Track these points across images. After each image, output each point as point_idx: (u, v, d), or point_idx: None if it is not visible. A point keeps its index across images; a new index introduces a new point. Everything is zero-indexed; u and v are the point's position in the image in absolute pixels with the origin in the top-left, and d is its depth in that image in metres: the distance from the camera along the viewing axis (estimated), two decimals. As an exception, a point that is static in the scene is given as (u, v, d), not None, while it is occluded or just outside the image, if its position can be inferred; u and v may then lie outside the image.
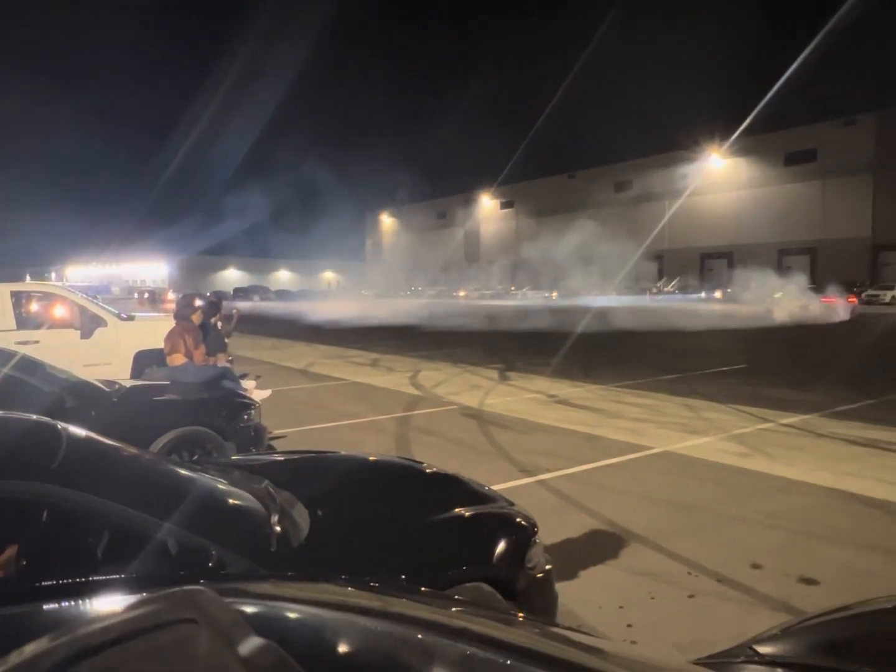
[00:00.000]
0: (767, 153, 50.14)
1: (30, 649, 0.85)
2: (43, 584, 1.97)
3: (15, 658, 0.84)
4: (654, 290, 50.17)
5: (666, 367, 12.80)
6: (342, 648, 0.98)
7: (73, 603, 1.78)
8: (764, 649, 1.58)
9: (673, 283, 50.89)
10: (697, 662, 1.58)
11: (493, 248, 69.81)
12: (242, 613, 0.92)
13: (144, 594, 0.98)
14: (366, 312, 30.11)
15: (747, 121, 38.34)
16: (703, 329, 22.50)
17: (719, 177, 52.96)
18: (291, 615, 1.06)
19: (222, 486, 2.80)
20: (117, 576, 2.06)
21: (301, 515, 2.70)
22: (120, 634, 0.83)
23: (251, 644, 0.77)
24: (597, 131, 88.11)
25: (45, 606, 1.79)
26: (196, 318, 7.32)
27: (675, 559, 4.22)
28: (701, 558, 4.20)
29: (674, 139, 54.71)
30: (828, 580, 3.90)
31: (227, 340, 9.24)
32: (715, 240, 50.54)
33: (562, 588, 3.17)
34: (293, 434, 7.55)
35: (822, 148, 48.25)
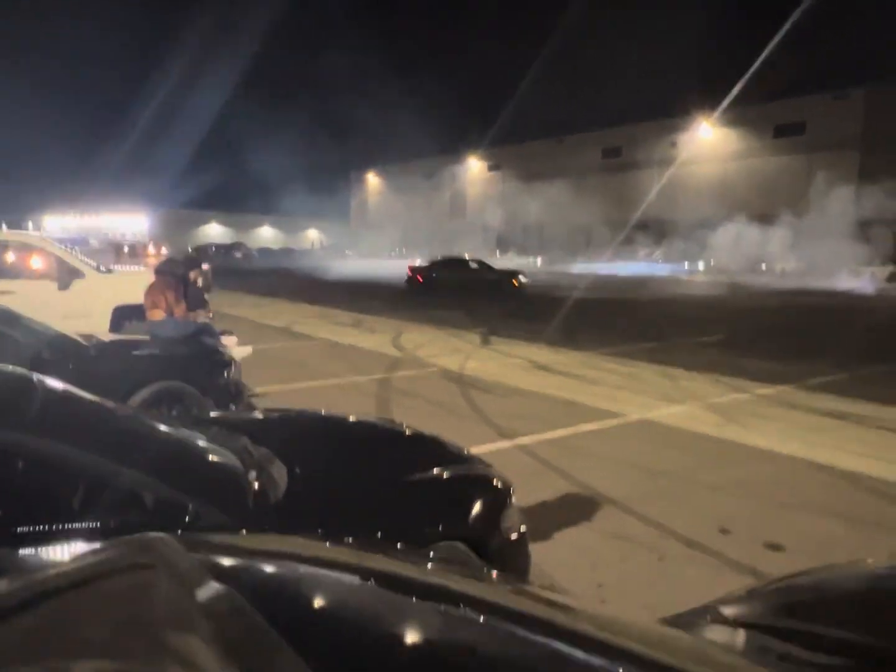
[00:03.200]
0: (757, 124, 49.91)
1: None
2: (18, 530, 1.98)
3: None
4: (640, 259, 50.26)
5: (647, 335, 12.91)
6: (314, 602, 0.99)
7: (39, 549, 1.79)
8: (728, 611, 1.63)
9: (657, 253, 51.01)
10: (663, 621, 1.62)
11: (480, 212, 69.27)
12: (207, 563, 0.92)
13: (103, 544, 0.97)
14: (347, 272, 29.96)
15: (736, 88, 38.00)
16: (686, 298, 22.66)
17: (708, 147, 52.71)
18: (261, 567, 1.06)
19: (200, 441, 2.80)
20: (89, 525, 2.07)
21: (279, 472, 2.72)
22: (77, 579, 0.83)
23: (209, 590, 0.77)
24: (586, 96, 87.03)
25: (19, 551, 1.80)
26: (194, 276, 7.50)
27: (647, 523, 4.31)
28: (672, 523, 4.30)
29: (664, 106, 54.31)
30: (793, 546, 4.01)
31: (206, 297, 9.14)
32: (701, 210, 50.56)
33: (536, 549, 3.23)
34: (273, 392, 7.55)
35: (811, 121, 48.12)
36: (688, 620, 1.63)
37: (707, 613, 1.63)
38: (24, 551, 1.87)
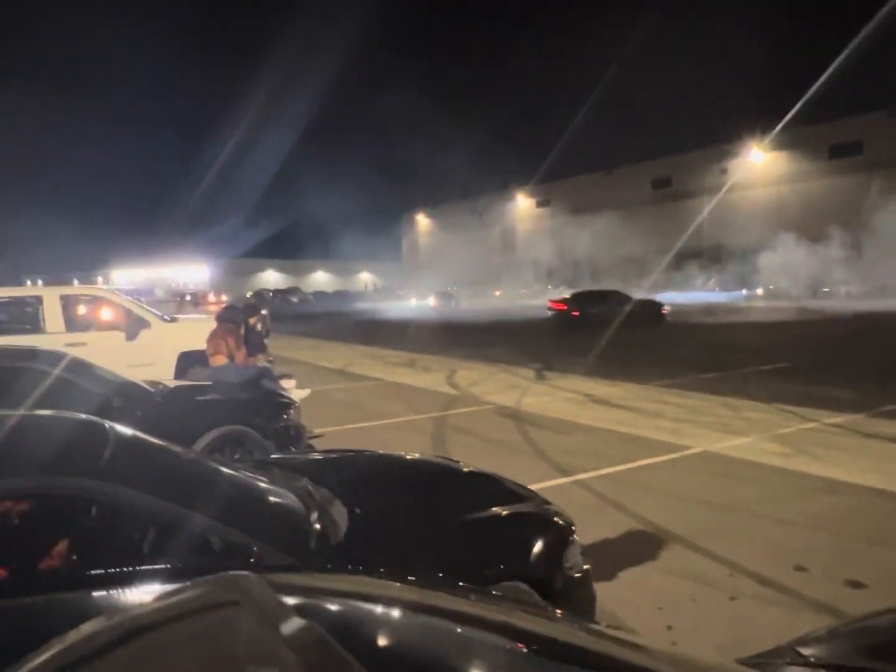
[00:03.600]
0: (811, 146, 48.82)
1: (86, 628, 0.90)
2: (92, 572, 2.05)
3: (73, 636, 0.89)
4: (696, 287, 49.37)
5: (707, 365, 12.59)
6: (380, 639, 1.00)
7: (120, 590, 1.86)
8: (808, 651, 1.56)
9: (712, 281, 50.01)
10: (740, 662, 1.56)
11: (529, 247, 69.39)
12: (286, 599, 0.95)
13: (189, 582, 1.02)
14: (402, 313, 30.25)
15: (791, 113, 37.38)
16: (746, 325, 22.07)
17: (760, 171, 51.76)
18: (331, 606, 1.08)
19: (263, 484, 2.86)
20: (159, 567, 2.13)
21: (339, 513, 2.74)
22: (168, 616, 0.87)
23: (293, 624, 0.79)
24: (634, 127, 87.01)
25: (95, 593, 1.87)
26: (253, 322, 7.92)
27: (715, 560, 4.16)
28: (742, 560, 4.13)
29: (713, 133, 53.82)
30: (875, 583, 3.80)
31: (265, 341, 9.39)
32: (756, 235, 49.41)
33: (600, 589, 3.15)
34: (331, 433, 7.64)
35: (867, 140, 46.82)
36: (765, 662, 1.57)
37: (786, 654, 1.57)
38: (99, 593, 1.94)
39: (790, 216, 47.67)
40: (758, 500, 5.28)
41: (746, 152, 51.90)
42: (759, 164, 51.88)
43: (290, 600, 0.93)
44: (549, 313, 24.73)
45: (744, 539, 4.50)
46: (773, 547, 4.36)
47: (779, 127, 41.14)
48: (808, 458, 6.36)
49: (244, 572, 0.97)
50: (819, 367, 12.39)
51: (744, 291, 44.74)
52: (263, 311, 10.33)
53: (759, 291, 43.06)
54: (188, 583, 0.98)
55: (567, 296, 25.84)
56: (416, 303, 47.35)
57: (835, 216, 43.85)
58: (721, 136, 52.58)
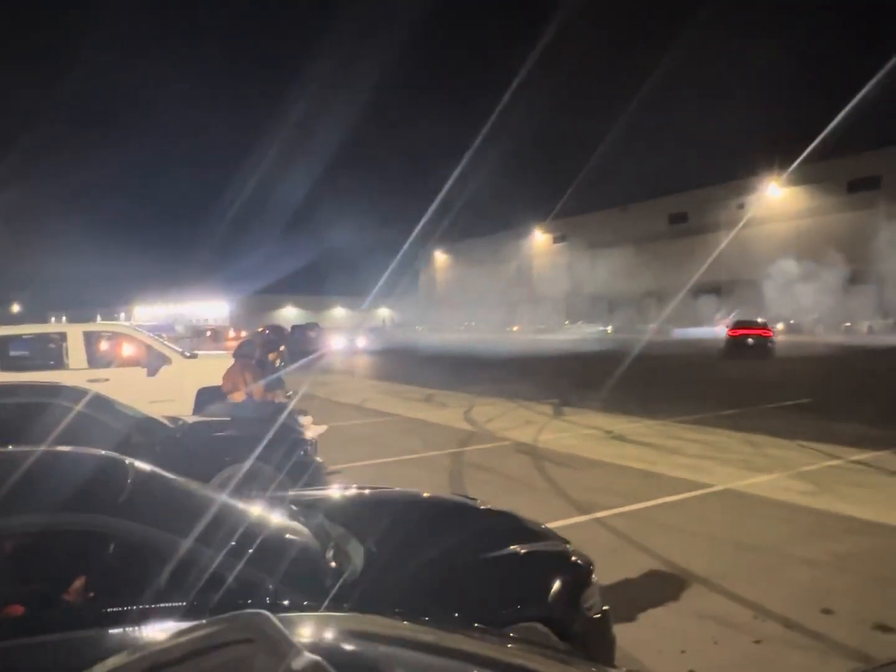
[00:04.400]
0: (829, 181, 48.82)
1: (112, 662, 0.93)
2: (109, 609, 2.06)
3: (99, 669, 0.92)
4: (713, 321, 49.06)
5: (726, 401, 12.45)
6: None
7: (138, 627, 1.87)
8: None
9: (732, 315, 49.71)
10: None
11: (547, 283, 69.62)
12: (299, 638, 0.97)
13: (204, 620, 1.04)
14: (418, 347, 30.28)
15: (809, 148, 37.37)
16: (765, 360, 21.83)
17: (778, 206, 51.77)
18: (344, 645, 1.09)
19: (279, 521, 2.86)
20: (175, 605, 2.13)
21: (355, 551, 2.73)
22: (186, 652, 0.90)
23: (302, 661, 0.82)
24: (651, 162, 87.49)
25: (112, 630, 1.88)
26: (272, 357, 8.10)
27: (739, 602, 4.06)
28: (767, 602, 4.03)
29: (731, 169, 53.95)
30: (906, 627, 3.68)
31: (282, 376, 9.47)
32: (775, 270, 49.17)
33: (620, 630, 3.09)
34: (348, 469, 7.63)
35: (886, 174, 46.75)
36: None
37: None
38: (116, 630, 1.95)
39: (809, 250, 47.44)
40: (782, 539, 5.17)
41: (764, 187, 51.99)
42: (776, 198, 51.91)
43: (303, 639, 0.94)
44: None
45: (768, 580, 4.40)
46: (799, 588, 4.25)
47: (797, 162, 41.15)
48: (833, 497, 6.23)
49: (258, 611, 0.99)
50: (842, 404, 12.20)
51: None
52: (281, 348, 10.44)
53: (780, 326, 42.71)
54: (204, 621, 1.00)
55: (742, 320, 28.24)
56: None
57: (854, 250, 43.62)
58: (738, 172, 52.78)
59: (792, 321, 41.78)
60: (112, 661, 0.95)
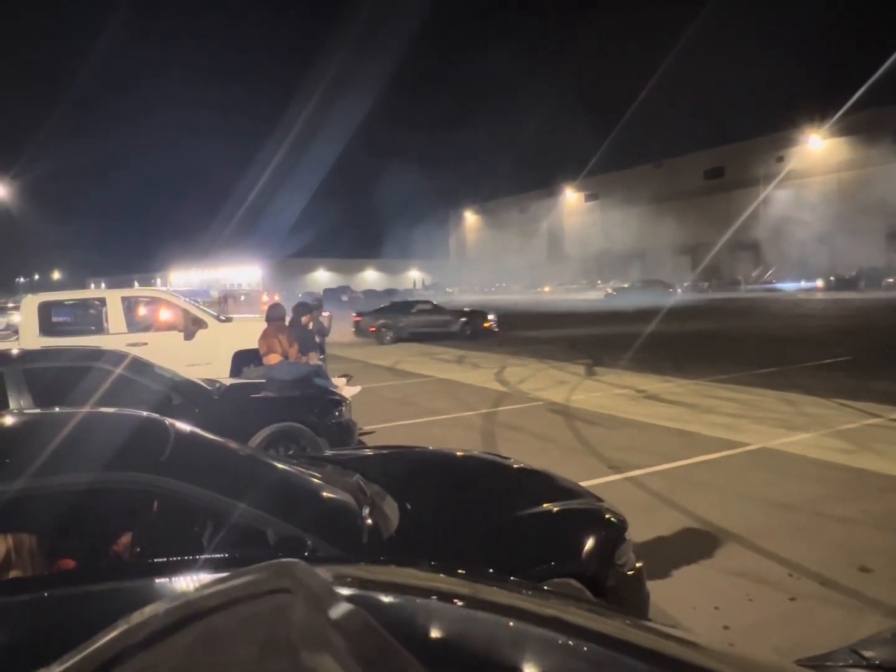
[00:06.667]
0: (872, 131, 46.83)
1: (148, 610, 0.96)
2: (154, 562, 2.14)
3: (136, 617, 0.95)
4: (751, 280, 48.05)
5: (765, 359, 12.25)
6: (430, 631, 1.01)
7: (180, 578, 1.94)
8: (869, 653, 1.51)
9: (770, 273, 48.58)
10: (799, 664, 1.53)
11: (578, 242, 68.69)
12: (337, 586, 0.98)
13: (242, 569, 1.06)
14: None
15: (856, 96, 35.87)
16: (805, 318, 21.38)
17: (819, 159, 49.96)
18: (381, 596, 1.10)
19: (316, 479, 2.91)
20: (219, 556, 2.20)
21: (391, 508, 2.77)
22: (221, 602, 0.91)
23: (341, 609, 0.82)
24: (686, 117, 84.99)
25: (157, 580, 1.96)
26: (306, 320, 8.38)
27: (774, 560, 4.05)
28: (803, 560, 4.01)
29: (769, 121, 52.20)
30: (946, 586, 3.64)
31: (322, 339, 9.68)
32: (814, 226, 47.65)
33: (653, 587, 3.11)
34: (382, 430, 7.72)
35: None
36: (825, 664, 1.53)
37: (846, 657, 1.52)
38: (159, 581, 2.03)
39: (852, 205, 45.85)
40: (819, 498, 5.12)
41: (804, 139, 50.13)
42: (817, 151, 50.04)
43: (341, 589, 0.96)
44: None
45: (804, 538, 4.37)
46: (836, 547, 4.22)
47: (840, 112, 39.54)
48: (872, 455, 6.13)
49: (295, 559, 1.00)
50: (883, 361, 11.92)
51: (801, 283, 43.32)
52: (326, 313, 10.54)
53: (819, 283, 41.64)
54: (242, 570, 1.02)
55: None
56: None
57: (899, 203, 41.99)
58: (775, 124, 50.96)
59: (832, 277, 40.65)
60: (150, 609, 0.97)
